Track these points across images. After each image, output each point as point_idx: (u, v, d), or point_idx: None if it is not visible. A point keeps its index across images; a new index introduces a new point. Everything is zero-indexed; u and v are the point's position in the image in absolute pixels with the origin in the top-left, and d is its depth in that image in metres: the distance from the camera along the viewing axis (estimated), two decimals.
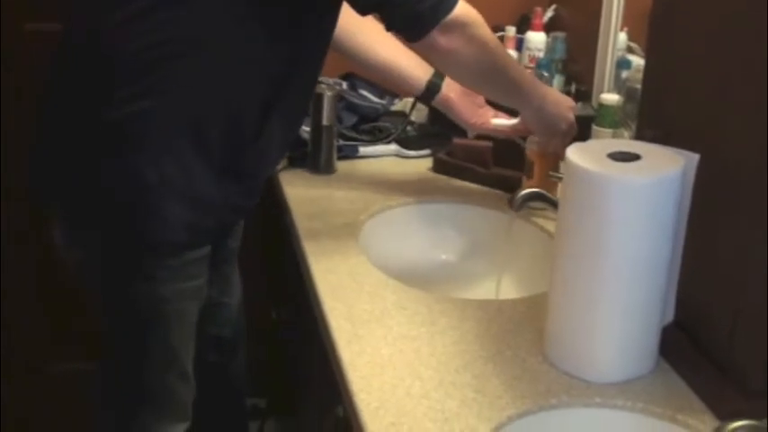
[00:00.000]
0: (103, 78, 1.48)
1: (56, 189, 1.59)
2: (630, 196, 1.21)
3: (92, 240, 1.58)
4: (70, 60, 1.55)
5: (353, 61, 1.92)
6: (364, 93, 2.25)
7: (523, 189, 1.75)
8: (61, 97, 1.56)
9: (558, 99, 1.77)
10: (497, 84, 1.68)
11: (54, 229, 1.61)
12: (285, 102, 1.56)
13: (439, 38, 1.52)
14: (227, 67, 1.48)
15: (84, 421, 1.74)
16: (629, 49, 2.06)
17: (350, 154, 2.10)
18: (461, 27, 1.54)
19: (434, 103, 1.93)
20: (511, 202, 1.72)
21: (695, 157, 1.25)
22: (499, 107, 1.90)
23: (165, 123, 1.48)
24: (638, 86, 1.72)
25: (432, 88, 1.90)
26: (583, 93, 2.04)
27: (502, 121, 1.90)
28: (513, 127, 1.87)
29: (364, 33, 1.83)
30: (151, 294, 1.59)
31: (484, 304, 1.51)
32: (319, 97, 1.98)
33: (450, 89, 1.89)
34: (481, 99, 1.91)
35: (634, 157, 1.25)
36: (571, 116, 1.76)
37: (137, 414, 1.69)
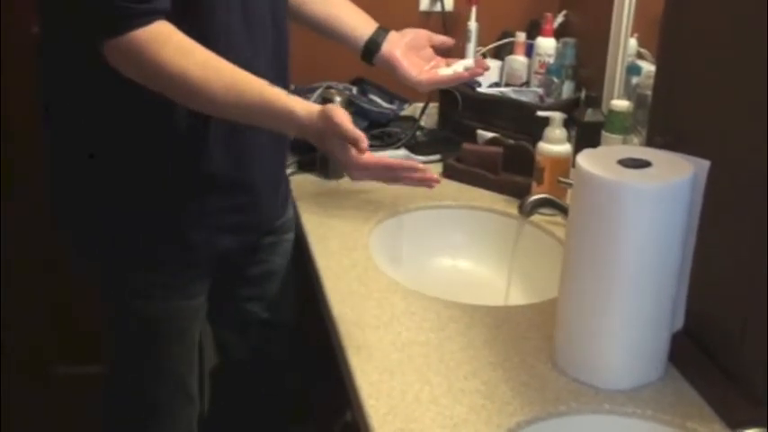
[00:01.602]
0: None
1: (65, 211, 1.61)
2: (641, 203, 1.21)
3: (91, 255, 1.60)
4: None
5: (295, 18, 1.73)
6: (374, 98, 2.25)
7: (533, 195, 1.75)
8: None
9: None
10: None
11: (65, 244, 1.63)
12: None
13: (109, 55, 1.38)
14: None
15: (85, 424, 1.74)
16: (640, 55, 2.06)
17: None
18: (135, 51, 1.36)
19: (376, 62, 1.77)
20: (520, 208, 1.72)
21: (706, 163, 1.25)
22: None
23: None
24: (649, 93, 1.71)
25: (370, 46, 1.75)
26: (593, 99, 2.04)
27: (446, 70, 1.76)
28: (460, 71, 1.75)
29: None
30: (148, 312, 1.59)
31: (493, 310, 1.51)
32: (329, 102, 1.97)
33: (394, 46, 1.75)
34: (430, 51, 1.78)
35: (644, 164, 1.25)
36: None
37: (140, 429, 1.69)
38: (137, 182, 1.50)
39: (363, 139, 1.45)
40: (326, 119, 1.42)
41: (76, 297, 1.74)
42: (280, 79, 1.54)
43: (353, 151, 1.46)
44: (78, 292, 1.70)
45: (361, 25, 1.76)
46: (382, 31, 1.76)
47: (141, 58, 1.36)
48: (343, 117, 1.43)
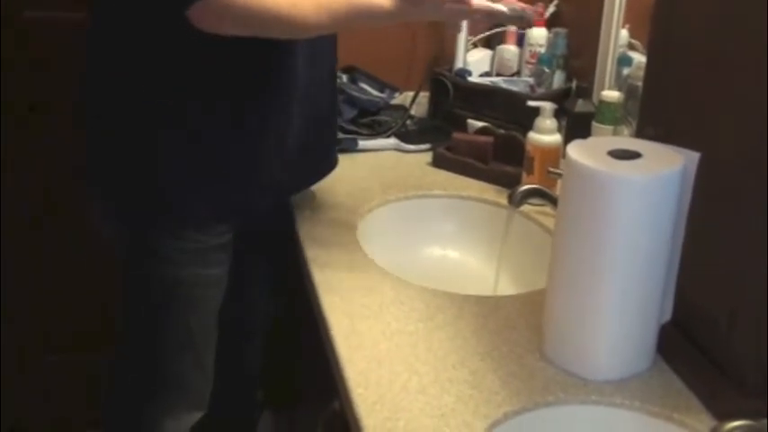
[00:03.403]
0: None
1: (96, 166, 1.63)
2: (630, 194, 1.21)
3: (118, 216, 1.62)
4: None
5: None
6: (364, 86, 2.25)
7: (523, 185, 1.75)
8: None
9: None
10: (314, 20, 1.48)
11: (93, 208, 1.64)
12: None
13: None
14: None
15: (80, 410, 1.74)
16: (631, 46, 2.05)
17: (349, 147, 2.10)
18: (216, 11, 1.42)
19: None
20: (510, 198, 1.72)
21: (696, 155, 1.25)
22: None
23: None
24: (639, 84, 1.71)
25: None
26: (584, 89, 2.04)
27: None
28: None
29: None
30: (168, 277, 1.60)
31: (481, 300, 1.51)
32: None
33: None
34: None
35: (634, 155, 1.25)
36: None
37: (150, 400, 1.69)
38: (175, 139, 1.53)
39: None
40: None
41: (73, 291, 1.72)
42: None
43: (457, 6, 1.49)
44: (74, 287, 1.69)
45: None
46: None
47: (232, 8, 1.41)
48: None
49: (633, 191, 1.21)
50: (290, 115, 1.62)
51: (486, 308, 1.48)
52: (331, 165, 1.82)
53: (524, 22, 1.58)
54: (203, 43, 1.44)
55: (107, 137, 1.58)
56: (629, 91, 1.95)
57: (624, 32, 2.05)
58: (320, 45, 1.64)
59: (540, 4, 2.28)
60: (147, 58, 1.50)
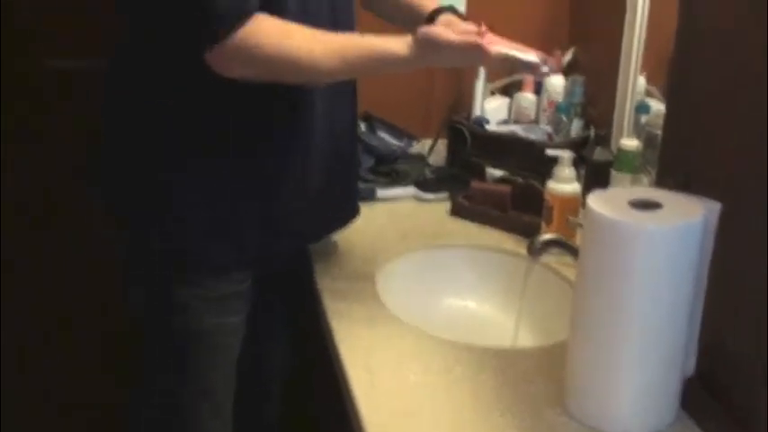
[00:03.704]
0: None
1: (115, 214, 1.63)
2: (652, 245, 1.19)
3: (134, 264, 1.61)
4: None
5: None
6: (382, 135, 2.25)
7: (542, 234, 1.74)
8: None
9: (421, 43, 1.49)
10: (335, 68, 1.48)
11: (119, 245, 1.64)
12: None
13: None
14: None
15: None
16: (648, 94, 2.05)
17: (367, 196, 2.09)
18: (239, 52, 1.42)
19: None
20: (530, 248, 1.71)
21: (717, 205, 1.23)
22: None
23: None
24: (658, 132, 1.70)
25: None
26: (602, 137, 2.03)
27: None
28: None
29: None
30: (187, 326, 1.59)
31: (501, 352, 1.49)
32: None
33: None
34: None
35: (655, 205, 1.24)
36: (438, 37, 1.49)
37: None
38: (194, 185, 1.53)
39: (471, 32, 1.49)
40: (426, 44, 1.47)
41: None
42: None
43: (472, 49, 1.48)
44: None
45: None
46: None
47: (251, 54, 1.42)
48: (437, 33, 1.48)
49: (655, 242, 1.19)
50: (310, 160, 1.61)
51: (506, 360, 1.46)
52: (353, 213, 1.81)
53: (541, 73, 1.57)
54: (220, 86, 1.45)
55: (125, 186, 1.58)
56: (647, 139, 1.94)
57: (642, 80, 2.05)
58: (340, 90, 1.64)
59: (558, 52, 2.28)
60: (164, 103, 1.50)
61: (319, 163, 1.63)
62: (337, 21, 1.58)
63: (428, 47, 1.47)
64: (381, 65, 1.51)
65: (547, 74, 1.60)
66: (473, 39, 1.47)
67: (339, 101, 1.66)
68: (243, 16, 1.40)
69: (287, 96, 1.54)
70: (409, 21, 1.68)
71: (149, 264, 1.59)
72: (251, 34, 1.41)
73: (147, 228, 1.57)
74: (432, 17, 1.66)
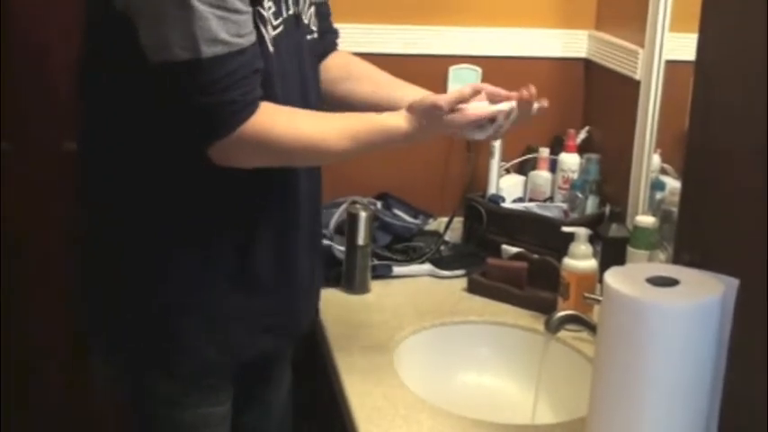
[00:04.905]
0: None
1: (100, 317, 1.60)
2: (670, 323, 1.19)
3: (118, 364, 1.59)
4: None
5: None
6: (398, 212, 2.27)
7: (559, 311, 1.74)
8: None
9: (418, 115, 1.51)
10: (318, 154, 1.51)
11: (96, 358, 1.62)
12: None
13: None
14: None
15: None
16: (663, 171, 2.07)
17: (384, 273, 2.10)
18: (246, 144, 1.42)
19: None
20: (547, 324, 1.71)
21: (735, 282, 1.24)
22: None
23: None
24: (674, 209, 1.72)
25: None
26: (617, 214, 2.04)
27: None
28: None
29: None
30: (175, 419, 1.58)
31: (520, 429, 1.49)
32: (354, 217, 1.99)
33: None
34: None
35: (673, 282, 1.24)
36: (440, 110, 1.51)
37: None
38: (180, 277, 1.51)
39: (458, 99, 1.50)
40: (421, 113, 1.50)
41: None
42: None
43: (456, 116, 1.50)
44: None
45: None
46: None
47: (258, 142, 1.41)
48: (422, 104, 1.50)
49: (673, 319, 1.20)
50: (297, 248, 1.61)
51: None
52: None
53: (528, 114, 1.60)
54: (213, 178, 1.45)
55: (112, 288, 1.55)
56: (663, 215, 1.95)
57: (656, 157, 2.07)
58: (314, 174, 1.64)
59: (572, 130, 2.31)
60: (155, 201, 1.49)
61: (305, 246, 1.63)
62: (308, 103, 1.59)
63: (422, 112, 1.49)
64: (385, 139, 1.52)
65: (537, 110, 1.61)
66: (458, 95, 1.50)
67: (315, 185, 1.66)
68: (251, 108, 1.40)
69: (278, 183, 1.54)
70: (385, 103, 1.67)
71: (135, 357, 1.56)
72: (259, 120, 1.41)
73: (138, 332, 1.54)
74: None
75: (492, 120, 1.54)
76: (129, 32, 1.37)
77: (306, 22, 1.59)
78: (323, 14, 1.70)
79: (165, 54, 1.35)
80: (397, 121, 1.50)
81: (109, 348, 1.60)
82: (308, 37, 1.61)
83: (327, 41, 1.74)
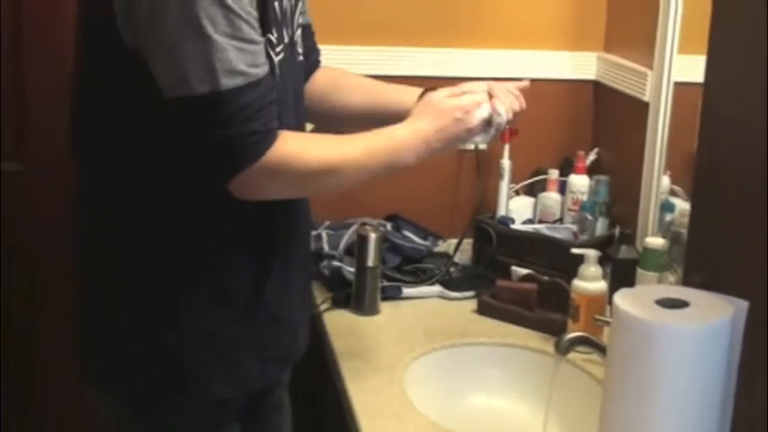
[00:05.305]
0: None
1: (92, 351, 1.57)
2: (680, 344, 1.19)
3: (121, 402, 1.56)
4: None
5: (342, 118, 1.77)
6: (408, 234, 2.27)
7: (569, 332, 1.74)
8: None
9: (425, 124, 1.53)
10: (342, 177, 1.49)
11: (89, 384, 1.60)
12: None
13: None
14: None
15: None
16: (673, 192, 2.07)
17: (394, 295, 2.10)
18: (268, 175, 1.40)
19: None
20: (557, 346, 1.70)
21: (744, 304, 1.24)
22: None
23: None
24: (683, 230, 1.72)
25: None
26: (627, 236, 2.04)
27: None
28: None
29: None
30: None
31: None
32: (364, 239, 1.99)
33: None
34: None
35: (682, 304, 1.24)
36: (447, 105, 1.55)
37: None
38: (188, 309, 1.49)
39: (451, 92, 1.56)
40: (422, 105, 1.56)
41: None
42: None
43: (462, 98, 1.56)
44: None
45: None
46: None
47: (281, 171, 1.39)
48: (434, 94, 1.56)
49: (683, 341, 1.19)
50: (295, 275, 1.60)
51: None
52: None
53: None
54: (226, 214, 1.44)
55: (115, 321, 1.52)
56: (673, 237, 1.95)
57: (666, 179, 2.07)
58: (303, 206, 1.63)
59: (582, 152, 2.31)
60: (164, 232, 1.46)
61: (302, 271, 1.63)
62: (300, 126, 1.59)
63: (424, 104, 1.55)
64: (402, 146, 1.51)
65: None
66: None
67: (306, 209, 1.65)
68: (272, 137, 1.38)
69: (281, 210, 1.52)
70: (380, 107, 1.69)
71: (142, 395, 1.53)
72: (280, 151, 1.38)
73: (142, 364, 1.51)
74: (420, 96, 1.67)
75: (489, 122, 1.56)
76: (141, 70, 1.35)
77: (298, 46, 1.59)
78: (307, 35, 1.70)
79: (183, 89, 1.32)
80: (407, 125, 1.52)
81: (111, 384, 1.56)
82: (299, 59, 1.61)
83: (311, 60, 1.74)
